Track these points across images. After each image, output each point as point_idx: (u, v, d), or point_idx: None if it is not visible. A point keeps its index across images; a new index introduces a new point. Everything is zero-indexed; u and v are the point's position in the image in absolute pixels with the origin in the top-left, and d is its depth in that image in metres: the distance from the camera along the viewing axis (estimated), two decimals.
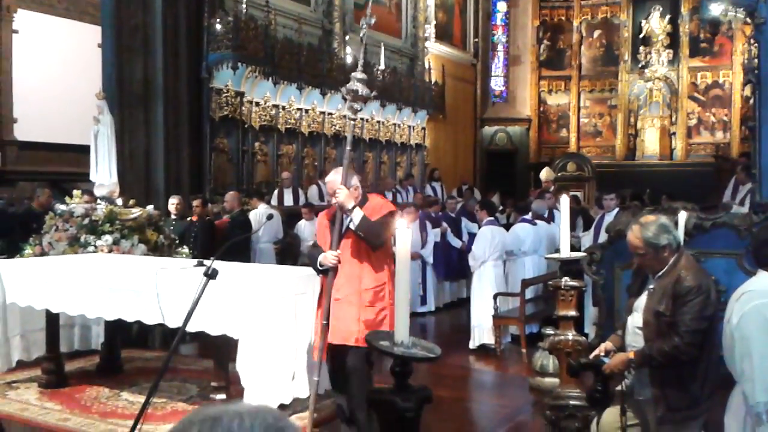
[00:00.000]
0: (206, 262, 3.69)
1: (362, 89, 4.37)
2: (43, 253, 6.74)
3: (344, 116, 13.20)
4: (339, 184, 4.26)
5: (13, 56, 13.03)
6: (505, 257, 8.15)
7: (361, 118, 13.68)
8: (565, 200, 4.78)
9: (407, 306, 2.51)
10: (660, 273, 3.25)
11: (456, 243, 10.61)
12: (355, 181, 4.37)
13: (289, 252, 9.52)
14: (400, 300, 2.50)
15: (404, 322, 2.45)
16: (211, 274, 2.89)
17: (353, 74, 4.43)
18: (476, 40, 18.97)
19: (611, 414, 3.47)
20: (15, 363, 5.89)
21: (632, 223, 3.31)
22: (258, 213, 8.96)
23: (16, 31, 13.14)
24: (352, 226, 4.22)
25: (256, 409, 1.10)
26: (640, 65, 18.36)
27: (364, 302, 4.23)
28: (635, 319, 3.33)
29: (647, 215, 3.40)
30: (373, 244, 4.19)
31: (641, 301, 3.33)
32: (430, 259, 9.87)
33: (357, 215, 4.19)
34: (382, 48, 14.03)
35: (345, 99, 4.49)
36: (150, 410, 5.27)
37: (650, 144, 18.30)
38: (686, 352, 3.10)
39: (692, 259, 3.30)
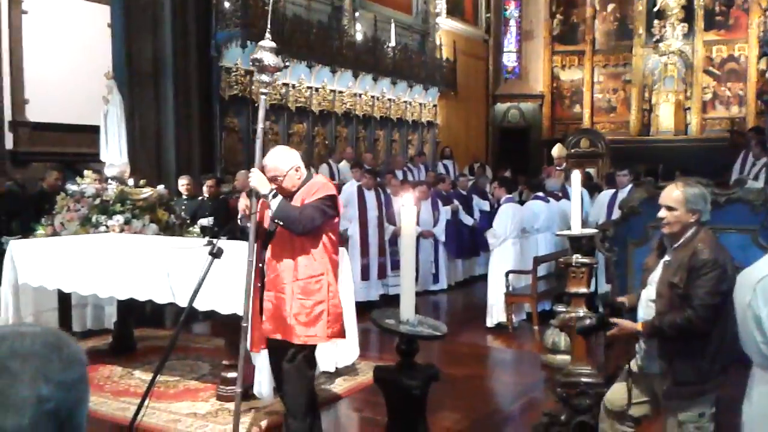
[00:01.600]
0: (215, 240, 3.65)
1: (269, 58, 3.97)
2: (54, 234, 6.77)
3: (356, 94, 13.14)
4: (265, 168, 3.83)
5: (23, 37, 13.02)
6: (520, 234, 8.13)
7: (372, 96, 13.59)
8: (576, 176, 4.73)
9: (413, 283, 2.49)
10: (677, 244, 3.21)
11: (468, 221, 10.57)
12: (292, 160, 3.91)
13: None
14: (405, 277, 2.48)
15: (410, 300, 2.43)
16: (216, 253, 2.89)
17: (261, 42, 4.04)
18: (488, 15, 18.74)
19: (618, 391, 3.45)
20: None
21: (676, 180, 3.28)
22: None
23: (25, 12, 13.10)
24: (269, 213, 3.84)
25: (39, 329, 1.15)
26: (654, 39, 18.07)
27: (296, 294, 3.80)
28: (649, 292, 3.30)
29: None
30: (294, 232, 3.76)
31: (656, 274, 3.30)
32: (442, 237, 9.84)
33: (274, 202, 3.76)
34: (393, 24, 13.90)
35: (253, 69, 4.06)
36: (162, 388, 5.33)
37: (665, 119, 18.07)
38: (698, 325, 3.07)
39: (711, 234, 3.25)
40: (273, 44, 4.05)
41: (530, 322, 7.81)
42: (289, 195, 3.86)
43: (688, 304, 3.08)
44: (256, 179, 3.79)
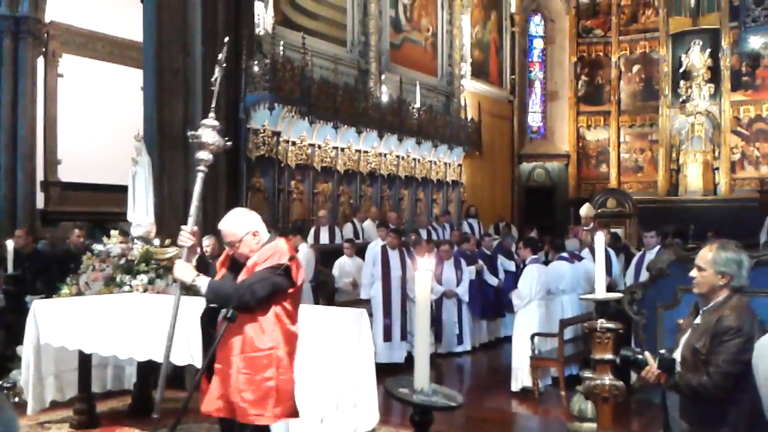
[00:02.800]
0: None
1: (209, 136, 3.91)
2: (79, 293, 6.82)
3: (381, 154, 13.26)
4: (222, 233, 3.69)
5: (59, 99, 13.45)
6: (545, 296, 8.00)
7: (397, 155, 13.71)
8: (599, 237, 4.65)
9: (427, 351, 2.43)
10: (707, 307, 3.15)
11: (492, 281, 10.45)
12: (249, 224, 3.70)
13: (323, 290, 9.48)
14: (419, 344, 2.43)
15: (424, 368, 2.37)
16: (230, 318, 2.86)
17: (204, 120, 4.00)
18: (513, 76, 18.97)
19: None
20: (48, 403, 5.92)
21: (710, 241, 3.31)
22: (303, 253, 8.82)
23: (61, 75, 13.59)
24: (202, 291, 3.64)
25: None
26: (681, 99, 18.09)
27: (242, 369, 3.55)
28: (677, 355, 3.22)
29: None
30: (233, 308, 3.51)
31: (686, 336, 3.24)
32: (466, 297, 9.72)
33: (202, 284, 3.61)
34: (418, 86, 14.10)
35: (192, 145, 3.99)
36: None
37: (693, 179, 17.92)
38: (712, 393, 2.97)
39: (746, 301, 3.17)
40: (215, 123, 3.99)
41: (557, 387, 7.60)
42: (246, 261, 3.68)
43: (706, 370, 3.00)
44: (179, 269, 3.67)
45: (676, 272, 6.22)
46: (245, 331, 3.55)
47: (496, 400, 7.42)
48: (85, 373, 5.96)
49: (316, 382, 4.80)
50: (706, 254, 3.16)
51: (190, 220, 3.89)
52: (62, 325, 5.61)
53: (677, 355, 3.21)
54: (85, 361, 5.94)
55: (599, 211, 13.59)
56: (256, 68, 10.28)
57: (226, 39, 4.64)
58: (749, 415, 3.02)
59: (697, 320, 3.20)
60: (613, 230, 12.03)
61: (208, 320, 3.69)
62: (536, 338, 7.51)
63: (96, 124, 12.94)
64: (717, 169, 17.80)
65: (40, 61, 13.50)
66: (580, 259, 8.61)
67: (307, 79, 11.00)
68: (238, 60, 10.25)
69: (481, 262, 10.39)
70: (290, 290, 3.63)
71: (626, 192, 16.53)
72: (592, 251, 8.66)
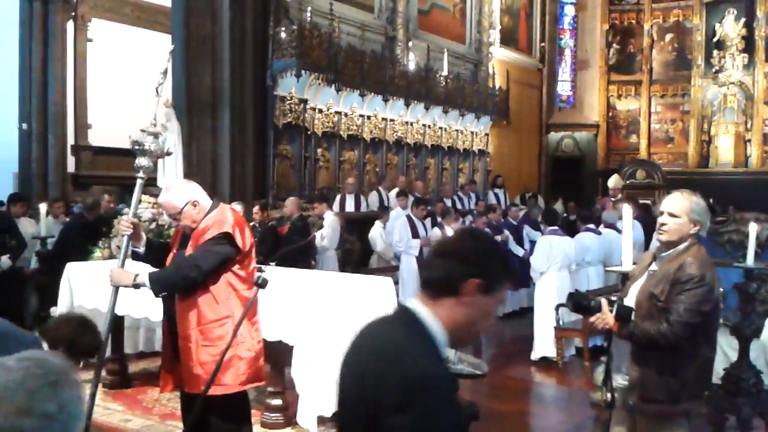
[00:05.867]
0: (264, 267, 3.66)
1: (150, 143, 3.89)
2: (111, 257, 6.95)
3: (407, 122, 13.21)
4: (162, 207, 3.69)
5: (88, 64, 13.55)
6: (574, 267, 7.97)
7: (423, 124, 13.66)
8: (627, 209, 4.62)
9: None
10: (666, 254, 3.07)
11: (518, 251, 10.44)
12: (187, 194, 3.64)
13: (348, 258, 9.55)
14: None
15: None
16: (261, 284, 2.92)
17: (144, 126, 3.99)
18: (542, 44, 18.69)
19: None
20: (82, 364, 6.07)
21: (682, 190, 3.16)
22: (329, 220, 8.91)
23: (90, 40, 13.66)
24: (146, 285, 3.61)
25: (26, 362, 1.23)
26: (713, 70, 17.72)
27: (200, 342, 3.54)
28: (628, 302, 3.14)
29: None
30: (180, 290, 3.57)
31: (638, 283, 3.17)
32: None
33: (145, 280, 3.57)
34: (446, 54, 13.96)
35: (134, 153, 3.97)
36: None
37: (724, 151, 17.63)
38: (671, 342, 2.89)
39: (704, 252, 3.10)
40: (158, 130, 4.00)
41: (579, 356, 7.63)
42: (191, 231, 3.65)
43: (666, 318, 2.92)
44: (116, 277, 3.65)
45: (704, 245, 6.17)
46: (199, 303, 3.55)
47: (518, 369, 7.48)
48: (117, 334, 6.11)
49: (342, 348, 4.88)
50: (680, 202, 3.05)
51: (130, 212, 3.92)
52: (95, 288, 5.75)
53: (629, 303, 3.12)
54: (117, 323, 6.08)
55: (628, 182, 13.49)
56: (283, 35, 10.25)
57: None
58: (699, 368, 2.99)
59: (653, 266, 3.13)
60: (643, 202, 11.92)
61: (168, 296, 3.69)
62: (560, 309, 7.52)
63: (125, 89, 13.01)
64: (749, 141, 17.48)
65: (70, 26, 13.58)
66: (618, 231, 8.56)
67: (334, 45, 10.95)
68: (266, 26, 10.24)
69: (506, 232, 10.38)
70: (237, 257, 3.61)
71: (656, 163, 16.35)
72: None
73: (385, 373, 1.62)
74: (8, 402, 1.17)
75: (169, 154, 4.17)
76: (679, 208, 3.05)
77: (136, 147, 3.93)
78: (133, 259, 3.99)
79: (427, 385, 1.58)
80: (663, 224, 3.07)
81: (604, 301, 3.09)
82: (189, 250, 3.61)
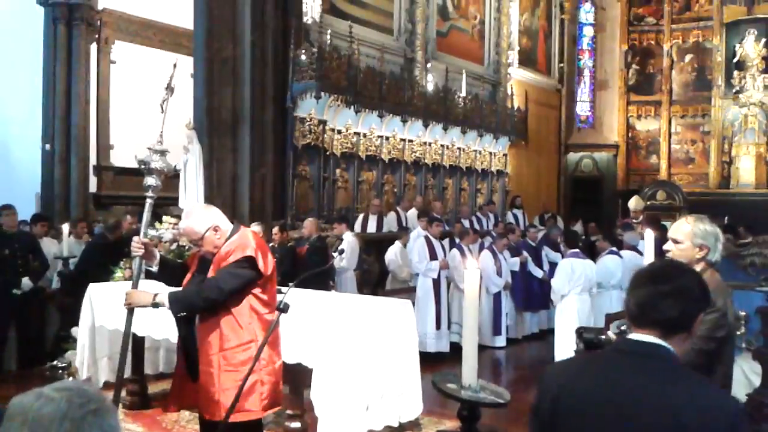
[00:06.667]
0: (283, 289, 3.64)
1: (157, 162, 3.89)
2: (132, 277, 7.00)
3: (425, 143, 13.25)
4: (182, 232, 3.66)
5: (111, 86, 13.75)
6: (595, 290, 7.91)
7: (441, 145, 13.69)
8: (649, 233, 4.60)
9: (475, 347, 2.46)
10: None
11: (537, 273, 10.39)
12: (208, 219, 3.61)
13: (367, 279, 9.55)
14: (468, 341, 2.45)
15: (472, 364, 2.40)
16: (283, 309, 2.92)
17: (150, 145, 3.99)
18: (561, 65, 18.71)
19: None
20: (102, 384, 6.12)
21: (687, 214, 3.15)
22: (348, 241, 8.90)
23: (113, 62, 13.88)
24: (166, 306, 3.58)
25: (65, 392, 1.28)
26: (734, 90, 17.62)
27: (223, 367, 3.50)
28: None
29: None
30: (201, 311, 3.55)
31: None
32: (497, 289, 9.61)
33: (164, 300, 3.53)
34: (464, 75, 14.02)
35: (142, 172, 3.96)
36: None
37: (745, 172, 17.47)
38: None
39: (718, 276, 3.05)
40: (164, 148, 3.95)
41: None
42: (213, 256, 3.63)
43: None
44: (135, 298, 3.64)
45: (725, 267, 6.10)
46: (222, 327, 3.52)
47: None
48: (138, 355, 6.15)
49: (362, 371, 4.87)
50: (684, 227, 3.04)
51: (141, 232, 3.92)
52: (117, 309, 5.78)
53: None
54: (138, 343, 6.12)
55: (648, 203, 13.39)
56: (303, 57, 10.35)
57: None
58: None
59: None
60: (662, 223, 11.82)
61: (184, 318, 3.67)
62: (582, 331, 7.44)
63: (147, 110, 13.19)
64: None
65: (93, 48, 13.81)
66: (640, 253, 8.48)
67: (354, 67, 11.04)
68: (286, 49, 10.35)
69: (525, 253, 10.34)
70: (259, 281, 3.59)
71: (676, 184, 16.23)
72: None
73: (711, 409, 1.74)
74: (56, 431, 1.21)
75: (177, 171, 4.13)
76: (681, 234, 3.04)
77: (142, 166, 3.92)
78: (146, 278, 4.01)
79: (744, 416, 1.82)
80: (667, 251, 3.07)
81: (611, 335, 3.12)
82: (211, 275, 3.60)
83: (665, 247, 3.10)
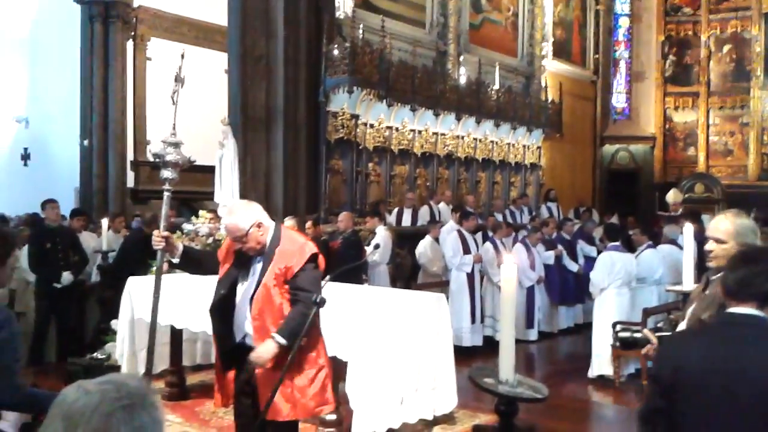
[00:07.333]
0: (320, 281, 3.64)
1: (172, 155, 3.87)
2: (171, 269, 7.10)
3: (458, 136, 13.19)
4: (226, 229, 3.57)
5: (147, 82, 13.95)
6: (634, 284, 7.82)
7: (474, 138, 13.62)
8: (688, 227, 4.55)
9: (512, 342, 2.45)
10: (714, 277, 3.01)
11: (572, 267, 10.30)
12: (252, 215, 3.55)
13: (399, 272, 9.56)
14: (505, 335, 2.45)
15: (509, 359, 2.39)
16: (319, 303, 2.94)
17: (164, 138, 3.96)
18: (596, 56, 18.45)
19: None
20: (141, 375, 6.22)
21: (725, 210, 3.15)
22: (381, 235, 8.89)
23: (149, 59, 14.09)
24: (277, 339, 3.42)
25: (108, 385, 1.25)
26: None
27: (296, 367, 3.44)
28: (684, 326, 3.12)
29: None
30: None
31: (693, 307, 3.14)
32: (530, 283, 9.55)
33: (281, 340, 3.38)
34: (497, 67, 13.91)
35: (158, 165, 3.90)
36: None
37: None
38: None
39: None
40: (178, 140, 3.90)
41: (639, 377, 7.45)
42: (256, 253, 3.58)
43: None
44: (262, 353, 3.41)
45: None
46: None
47: (575, 388, 7.35)
48: (176, 347, 6.25)
49: (397, 365, 4.88)
50: (725, 225, 3.02)
51: (161, 226, 3.93)
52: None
53: (683, 327, 3.10)
54: (176, 336, 6.22)
55: (686, 196, 13.20)
56: (336, 52, 10.38)
57: None
58: None
59: (707, 291, 3.09)
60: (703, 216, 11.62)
61: (220, 313, 3.67)
62: (618, 327, 7.37)
63: (182, 105, 13.36)
64: None
65: (129, 45, 14.03)
66: (679, 247, 8.35)
67: (386, 61, 11.03)
68: (319, 44, 10.39)
69: (560, 247, 10.25)
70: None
71: (715, 177, 15.93)
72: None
73: None
74: (85, 425, 1.20)
75: (192, 162, 4.12)
76: (724, 233, 3.02)
77: (158, 159, 3.91)
78: (169, 267, 4.04)
79: None
80: (710, 251, 3.05)
81: (647, 332, 3.15)
82: (269, 276, 3.51)
83: (707, 247, 3.07)
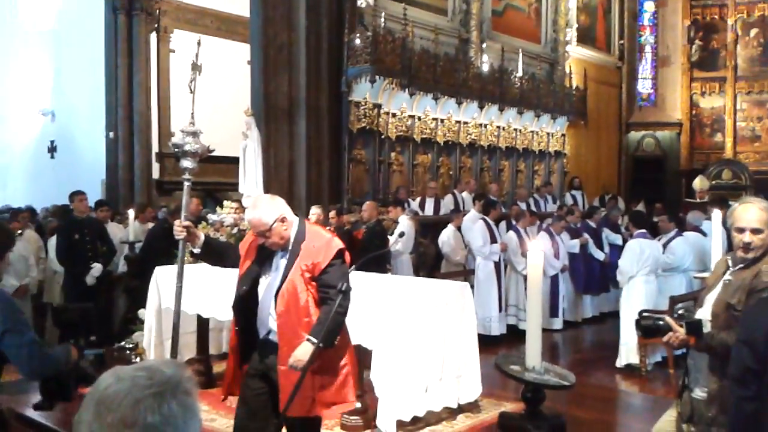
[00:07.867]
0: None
1: (191, 144, 3.83)
2: (196, 261, 7.17)
3: (481, 124, 13.12)
4: (250, 224, 3.47)
5: (171, 74, 14.04)
6: (661, 272, 7.74)
7: (497, 126, 13.53)
8: (716, 214, 4.49)
9: (539, 330, 2.44)
10: (741, 264, 3.00)
11: (599, 255, 10.22)
12: (276, 210, 3.48)
13: (422, 262, 9.55)
14: (532, 322, 2.44)
15: (536, 346, 2.38)
16: (345, 291, 2.95)
17: (182, 127, 3.92)
18: (621, 41, 18.21)
19: (667, 423, 3.19)
20: (178, 362, 6.28)
21: (743, 200, 3.09)
22: (404, 225, 8.83)
23: (172, 51, 14.17)
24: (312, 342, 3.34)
25: (140, 372, 1.25)
26: None
27: (321, 363, 3.36)
28: (705, 312, 3.07)
29: None
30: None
31: (714, 293, 3.09)
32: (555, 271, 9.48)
33: (315, 340, 3.29)
34: (520, 54, 13.80)
35: (176, 156, 3.85)
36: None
37: None
38: None
39: None
40: (196, 129, 3.85)
41: (666, 365, 7.39)
42: (280, 248, 3.53)
43: None
44: (300, 355, 3.32)
45: None
46: (314, 318, 3.44)
47: (601, 376, 7.31)
48: (202, 336, 6.31)
49: (421, 353, 4.89)
50: (758, 215, 2.97)
51: (182, 215, 3.96)
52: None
53: (704, 313, 3.06)
54: (202, 324, 6.28)
55: (713, 182, 13.03)
56: (357, 41, 10.36)
57: None
58: None
59: (728, 276, 3.05)
60: (731, 203, 11.46)
61: (243, 309, 3.62)
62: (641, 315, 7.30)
63: (206, 97, 13.44)
64: None
65: (153, 37, 14.13)
66: (703, 233, 8.25)
67: (408, 50, 10.99)
68: (341, 33, 10.38)
69: (586, 235, 10.17)
70: None
71: (742, 163, 15.68)
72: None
73: None
74: (114, 412, 1.19)
75: (211, 151, 4.11)
76: (758, 222, 2.98)
77: (176, 149, 3.90)
78: (191, 257, 4.05)
79: None
80: (749, 243, 2.99)
81: (669, 320, 3.08)
82: (295, 272, 3.46)
83: (745, 239, 3.00)
